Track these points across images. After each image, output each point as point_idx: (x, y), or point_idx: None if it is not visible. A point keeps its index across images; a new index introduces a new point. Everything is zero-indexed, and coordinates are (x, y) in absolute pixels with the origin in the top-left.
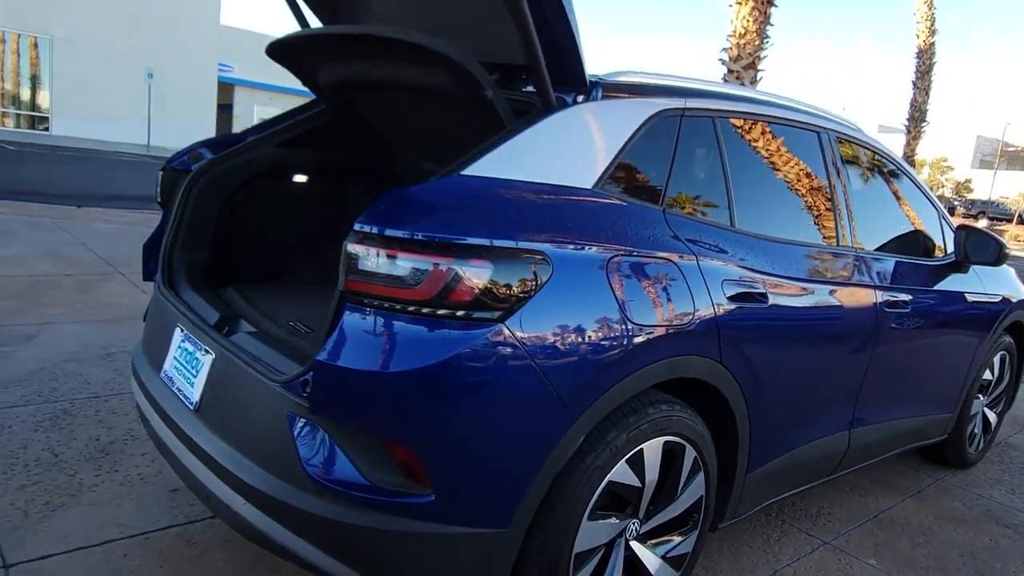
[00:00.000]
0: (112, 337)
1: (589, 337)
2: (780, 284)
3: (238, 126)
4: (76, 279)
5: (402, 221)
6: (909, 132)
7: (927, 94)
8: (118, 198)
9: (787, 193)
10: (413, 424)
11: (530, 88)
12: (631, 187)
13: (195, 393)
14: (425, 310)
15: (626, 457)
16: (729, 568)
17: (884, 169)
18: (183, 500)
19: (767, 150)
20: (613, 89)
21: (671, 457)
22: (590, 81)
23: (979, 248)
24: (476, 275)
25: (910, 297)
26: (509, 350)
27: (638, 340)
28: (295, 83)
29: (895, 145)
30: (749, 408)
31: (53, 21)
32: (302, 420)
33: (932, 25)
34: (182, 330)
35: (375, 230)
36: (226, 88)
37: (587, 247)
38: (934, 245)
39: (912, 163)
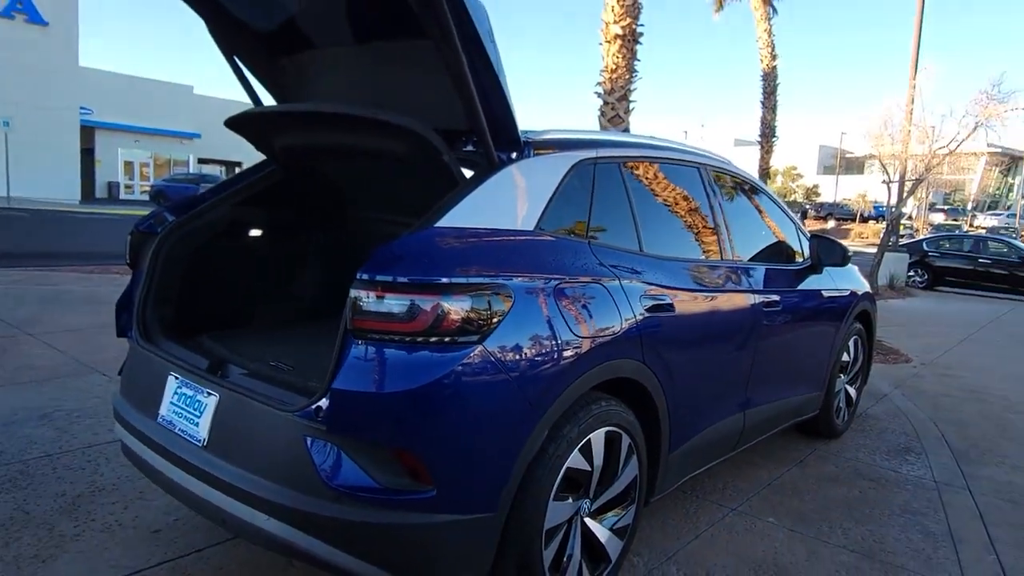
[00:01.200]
0: (42, 399)
1: (547, 348)
2: (682, 295)
3: (101, 172)
4: None
5: (396, 268)
6: (762, 147)
7: (774, 112)
8: None
9: (679, 218)
10: (417, 433)
11: (469, 148)
12: (563, 225)
13: (202, 432)
14: (420, 339)
15: (578, 446)
16: (660, 537)
17: (750, 193)
18: (166, 538)
19: (661, 185)
20: (541, 146)
21: (611, 444)
22: (523, 141)
23: (829, 252)
24: (458, 308)
25: (780, 297)
26: (488, 365)
27: (583, 349)
28: (163, 124)
29: (751, 158)
30: (667, 399)
31: None
32: (318, 440)
33: (773, 51)
34: (177, 377)
35: (375, 278)
36: (87, 132)
37: (536, 278)
38: (794, 252)
39: (768, 174)
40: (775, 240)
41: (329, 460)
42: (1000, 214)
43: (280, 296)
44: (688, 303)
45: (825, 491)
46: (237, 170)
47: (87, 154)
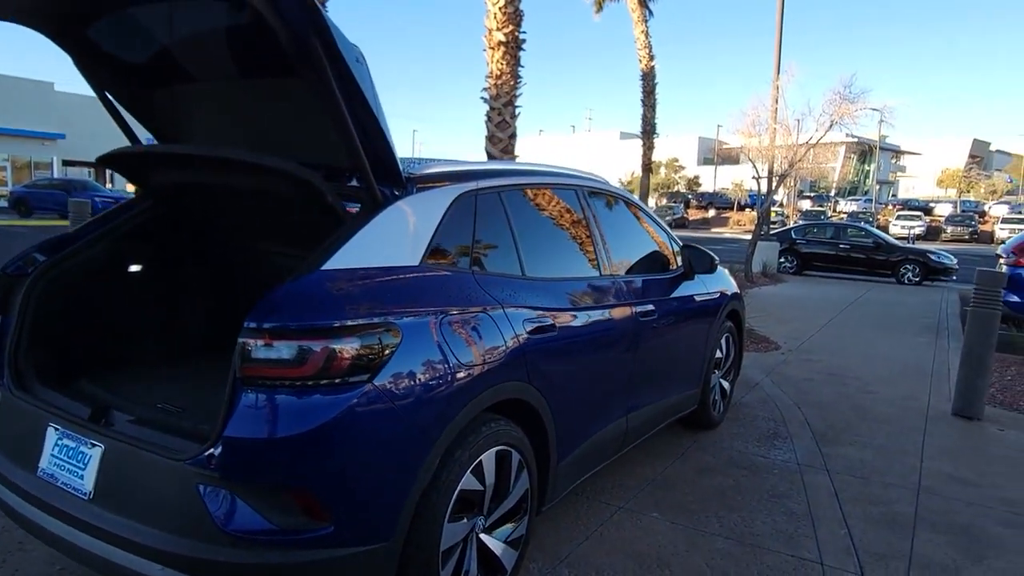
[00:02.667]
0: None
1: (435, 380)
2: (563, 315)
3: None
4: None
5: (284, 314)
6: (644, 143)
7: (654, 110)
8: None
9: (558, 240)
10: (311, 474)
11: (352, 183)
12: (447, 258)
13: (87, 484)
14: (311, 382)
15: (471, 468)
16: (553, 541)
17: (625, 209)
18: None
19: (540, 210)
20: (423, 181)
21: (502, 462)
22: (405, 177)
23: (699, 261)
24: (348, 349)
25: (656, 306)
26: (379, 401)
27: (471, 376)
28: (19, 123)
29: (636, 151)
30: (553, 414)
31: None
32: (211, 487)
33: (650, 52)
34: (57, 428)
35: (263, 325)
36: None
37: (423, 312)
38: (667, 261)
39: (650, 168)
40: (649, 252)
41: (223, 506)
42: (859, 199)
43: (165, 332)
44: (569, 321)
45: (704, 482)
46: (108, 173)
47: None
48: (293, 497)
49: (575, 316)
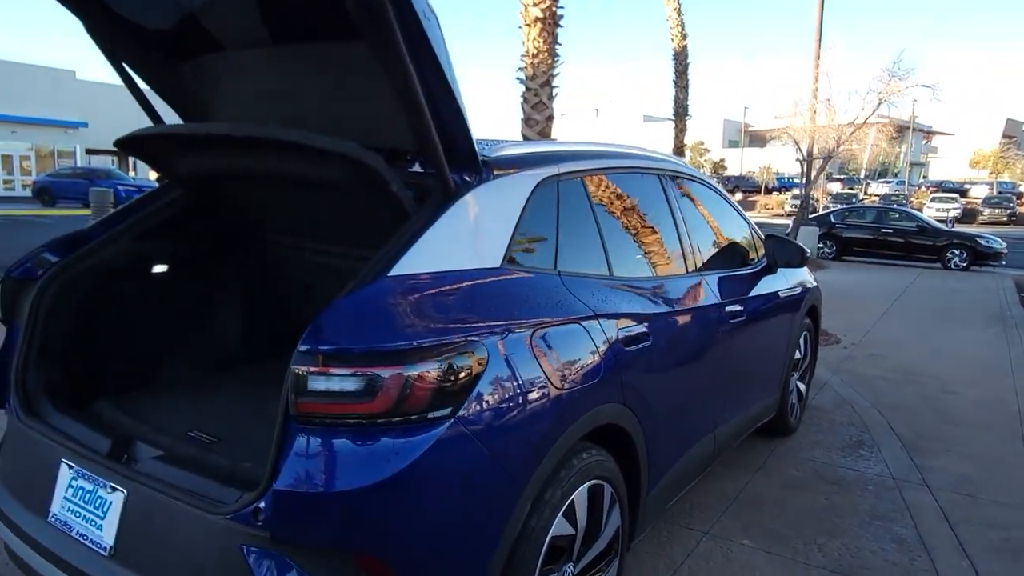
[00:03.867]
0: None
1: (526, 410)
2: (655, 321)
3: None
4: None
5: (347, 336)
6: (676, 126)
7: (686, 91)
8: None
9: (643, 233)
10: (382, 535)
11: (415, 168)
12: (530, 257)
13: (107, 537)
14: (381, 420)
15: (562, 510)
16: None
17: (707, 195)
18: None
19: (623, 198)
20: (500, 166)
21: (594, 499)
22: (481, 161)
23: (786, 254)
24: (425, 377)
25: (743, 306)
26: (464, 442)
27: (564, 402)
28: (43, 112)
29: (661, 135)
30: (646, 438)
31: None
32: (258, 550)
33: (683, 30)
34: (71, 466)
35: (319, 347)
36: None
37: (511, 326)
38: (748, 253)
39: (683, 151)
40: (733, 243)
41: (272, 572)
42: (890, 181)
43: (193, 345)
44: (661, 328)
45: (792, 501)
46: (132, 161)
47: None
48: (358, 563)
49: (667, 322)
